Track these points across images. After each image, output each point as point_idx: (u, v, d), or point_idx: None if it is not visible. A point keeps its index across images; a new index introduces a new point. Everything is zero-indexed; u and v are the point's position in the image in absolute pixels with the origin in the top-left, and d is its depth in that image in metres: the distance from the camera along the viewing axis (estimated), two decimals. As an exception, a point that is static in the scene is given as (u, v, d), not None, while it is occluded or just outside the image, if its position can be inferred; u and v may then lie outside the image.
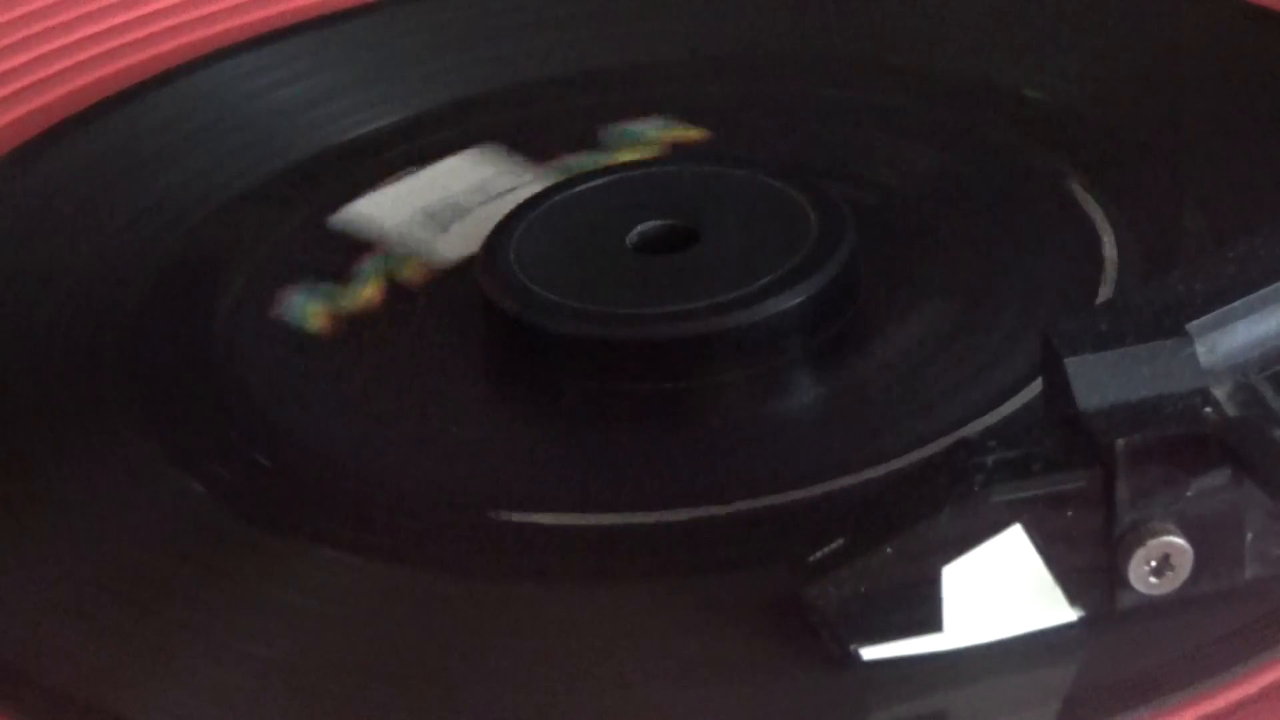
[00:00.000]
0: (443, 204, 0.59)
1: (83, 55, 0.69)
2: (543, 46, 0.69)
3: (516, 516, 0.49)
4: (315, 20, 0.71)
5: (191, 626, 0.46)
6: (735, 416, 0.53)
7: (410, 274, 0.58)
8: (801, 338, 0.53)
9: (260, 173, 0.64)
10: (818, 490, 0.49)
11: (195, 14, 0.71)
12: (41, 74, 0.69)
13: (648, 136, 0.63)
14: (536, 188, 0.59)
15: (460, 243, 0.59)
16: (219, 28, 0.71)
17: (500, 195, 0.60)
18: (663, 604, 0.45)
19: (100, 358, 0.56)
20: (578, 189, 0.58)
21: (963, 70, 0.65)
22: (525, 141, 0.64)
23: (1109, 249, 0.56)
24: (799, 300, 0.53)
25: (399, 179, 0.62)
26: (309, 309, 0.57)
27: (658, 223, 0.57)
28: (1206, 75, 0.63)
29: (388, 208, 0.60)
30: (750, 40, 0.68)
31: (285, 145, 0.65)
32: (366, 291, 0.58)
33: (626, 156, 0.62)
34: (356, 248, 0.60)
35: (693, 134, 0.63)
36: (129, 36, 0.70)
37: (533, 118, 0.66)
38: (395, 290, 0.58)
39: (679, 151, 0.63)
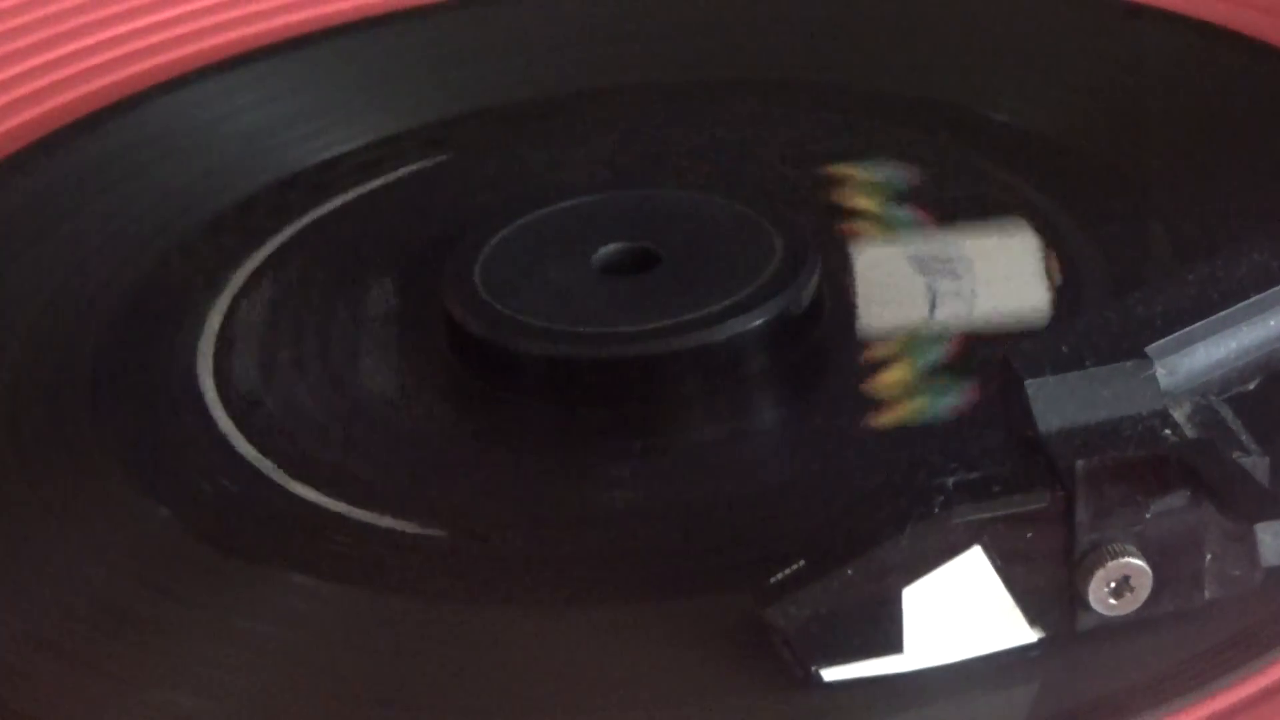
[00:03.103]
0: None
1: (46, 80, 0.69)
2: (516, 70, 0.69)
3: (482, 539, 0.49)
4: (285, 43, 0.71)
5: (158, 653, 0.46)
6: (698, 437, 0.53)
7: None
8: (765, 359, 0.53)
9: (229, 197, 0.64)
10: (779, 512, 0.49)
11: (163, 36, 0.71)
12: (3, 99, 0.69)
13: None
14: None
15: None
16: (187, 50, 0.71)
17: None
18: (625, 626, 0.46)
19: (66, 383, 0.56)
20: (544, 210, 0.58)
21: (928, 94, 0.65)
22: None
23: (1078, 270, 0.56)
24: (762, 321, 0.53)
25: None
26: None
27: (623, 245, 0.57)
28: (1170, 97, 0.64)
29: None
30: (712, 65, 0.69)
31: (255, 169, 0.65)
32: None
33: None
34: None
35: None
36: (94, 60, 0.70)
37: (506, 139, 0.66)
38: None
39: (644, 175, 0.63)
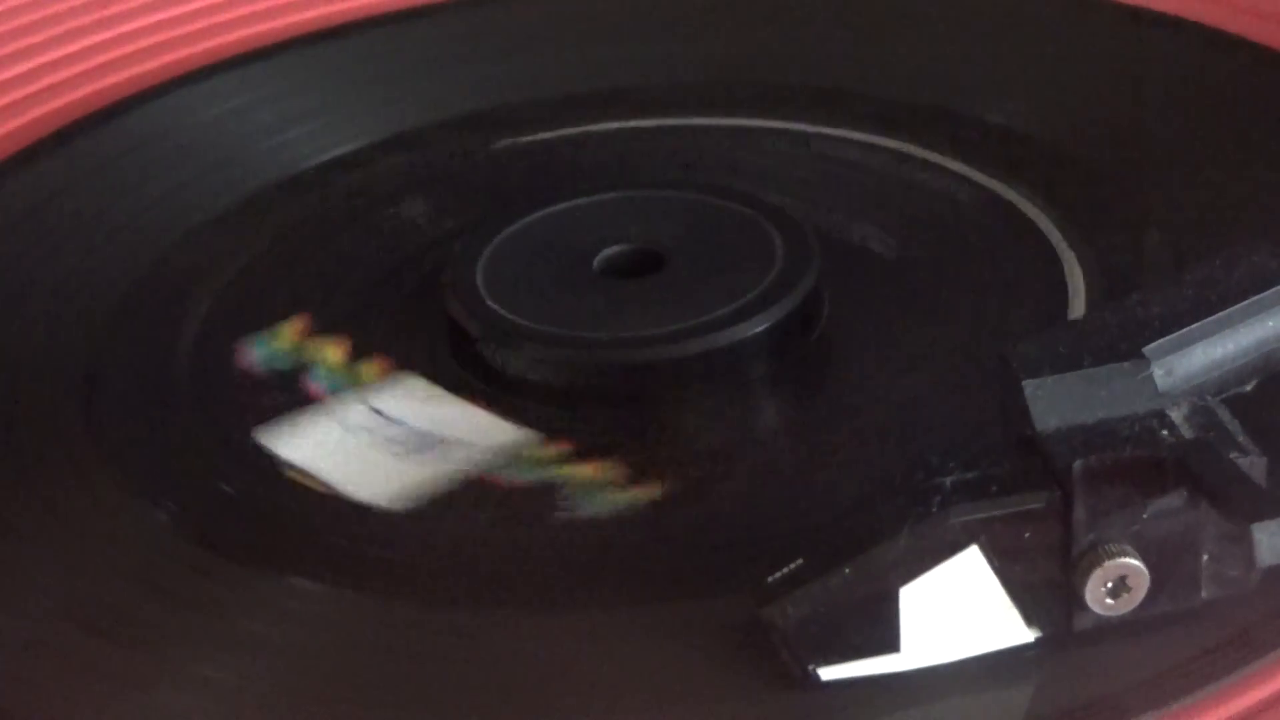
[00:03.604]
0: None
1: (47, 81, 0.69)
2: (517, 70, 0.69)
3: (481, 541, 0.49)
4: (286, 43, 0.71)
5: (155, 656, 0.46)
6: (698, 440, 0.53)
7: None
8: (766, 362, 0.54)
9: (228, 197, 0.64)
10: (780, 513, 0.49)
11: (164, 36, 0.71)
12: (3, 99, 0.69)
13: None
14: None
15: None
16: (189, 50, 0.71)
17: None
18: (624, 626, 0.46)
19: (63, 384, 0.56)
20: (546, 211, 0.58)
21: (923, 97, 0.65)
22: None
23: (1072, 273, 0.56)
24: (764, 325, 0.53)
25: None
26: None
27: (624, 247, 0.57)
28: (1167, 101, 0.64)
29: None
30: (711, 65, 0.69)
31: (256, 168, 0.65)
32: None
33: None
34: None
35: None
36: (95, 60, 0.70)
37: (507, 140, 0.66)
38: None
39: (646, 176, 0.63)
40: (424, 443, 0.52)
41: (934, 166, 0.62)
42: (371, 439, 0.52)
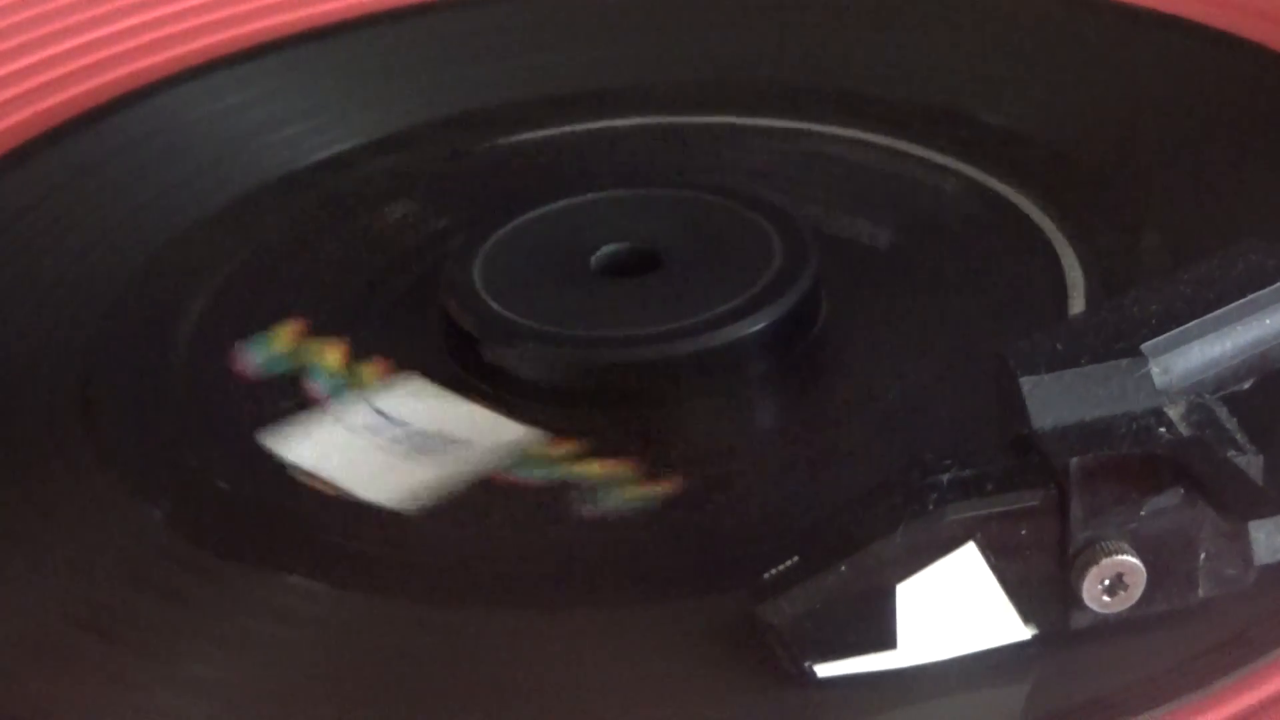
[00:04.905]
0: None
1: (39, 79, 0.69)
2: (513, 69, 0.69)
3: (478, 540, 0.49)
4: (280, 42, 0.71)
5: (150, 655, 0.46)
6: (696, 439, 0.53)
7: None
8: (764, 361, 0.54)
9: (223, 195, 0.64)
10: (776, 511, 0.49)
11: (157, 35, 0.71)
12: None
13: None
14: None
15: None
16: (182, 49, 0.71)
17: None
18: (621, 624, 0.46)
19: (58, 383, 0.55)
20: (543, 210, 0.58)
21: (922, 97, 0.65)
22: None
23: (1071, 272, 0.56)
24: (762, 324, 0.53)
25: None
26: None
27: (622, 246, 0.57)
28: (1166, 100, 0.64)
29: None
30: (708, 65, 0.69)
31: (249, 168, 0.65)
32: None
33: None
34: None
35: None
36: (87, 59, 0.70)
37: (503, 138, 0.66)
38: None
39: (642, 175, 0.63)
40: (430, 443, 0.52)
41: (933, 165, 0.62)
42: (377, 440, 0.52)
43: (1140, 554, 0.41)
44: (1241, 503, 0.40)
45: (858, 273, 0.57)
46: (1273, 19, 0.66)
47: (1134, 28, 0.67)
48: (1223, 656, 0.43)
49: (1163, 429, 0.42)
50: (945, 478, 0.42)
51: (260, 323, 0.57)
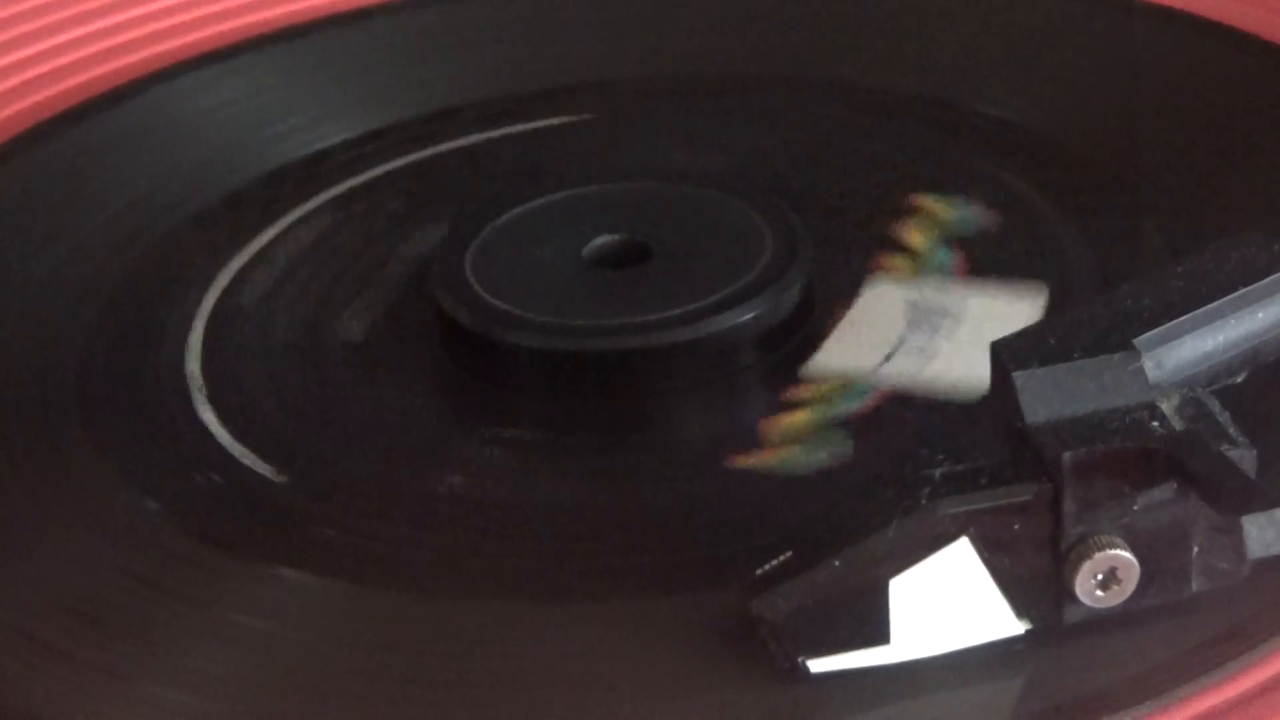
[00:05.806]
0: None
1: (32, 73, 0.69)
2: (504, 64, 0.69)
3: (472, 533, 0.49)
4: (272, 36, 0.71)
5: (145, 647, 0.46)
6: (688, 430, 0.53)
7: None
8: (755, 352, 0.54)
9: (217, 191, 0.64)
10: (768, 506, 0.49)
11: (150, 29, 0.71)
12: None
13: None
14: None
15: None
16: (175, 43, 0.71)
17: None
18: (615, 620, 0.46)
19: (52, 376, 0.56)
20: (535, 202, 0.58)
21: (921, 89, 0.65)
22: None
23: (1067, 265, 0.56)
24: (753, 315, 0.53)
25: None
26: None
27: (614, 237, 0.57)
28: (1163, 92, 0.64)
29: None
30: (703, 60, 0.69)
31: (243, 162, 0.65)
32: None
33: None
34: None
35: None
36: (80, 53, 0.70)
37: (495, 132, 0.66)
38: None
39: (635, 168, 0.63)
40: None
41: (932, 158, 0.62)
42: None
43: (1133, 548, 0.41)
44: (1235, 497, 0.40)
45: (853, 264, 0.57)
46: (1271, 10, 0.66)
47: (1131, 20, 0.67)
48: (1216, 651, 0.43)
49: (1156, 423, 0.41)
50: (938, 472, 0.42)
51: (256, 317, 0.58)
